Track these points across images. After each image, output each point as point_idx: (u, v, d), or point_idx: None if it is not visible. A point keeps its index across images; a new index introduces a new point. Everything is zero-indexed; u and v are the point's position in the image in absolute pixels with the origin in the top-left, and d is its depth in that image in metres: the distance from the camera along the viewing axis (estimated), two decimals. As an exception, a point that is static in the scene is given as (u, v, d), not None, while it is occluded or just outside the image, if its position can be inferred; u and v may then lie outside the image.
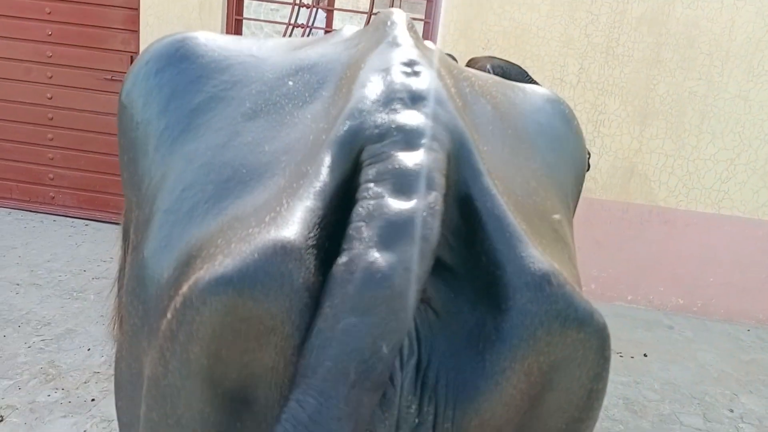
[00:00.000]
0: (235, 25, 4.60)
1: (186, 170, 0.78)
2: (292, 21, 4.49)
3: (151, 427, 0.63)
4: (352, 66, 0.80)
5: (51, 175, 5.07)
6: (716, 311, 4.48)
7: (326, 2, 4.60)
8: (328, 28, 4.61)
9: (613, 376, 3.46)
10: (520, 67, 1.98)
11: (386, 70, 0.72)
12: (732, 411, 3.34)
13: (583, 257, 4.45)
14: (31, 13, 4.76)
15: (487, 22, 4.26)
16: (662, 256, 4.45)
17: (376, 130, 0.65)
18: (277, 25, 4.80)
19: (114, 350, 0.92)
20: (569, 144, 1.00)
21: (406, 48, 0.77)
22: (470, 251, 0.65)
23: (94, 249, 4.51)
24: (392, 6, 4.31)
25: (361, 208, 0.60)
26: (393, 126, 0.65)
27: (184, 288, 0.59)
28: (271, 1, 4.72)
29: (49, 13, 4.75)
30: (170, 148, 0.82)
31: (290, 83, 0.83)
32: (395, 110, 0.66)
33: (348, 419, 0.55)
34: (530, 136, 0.94)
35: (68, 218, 5.07)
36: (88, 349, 3.18)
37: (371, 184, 0.61)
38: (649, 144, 4.33)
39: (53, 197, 5.11)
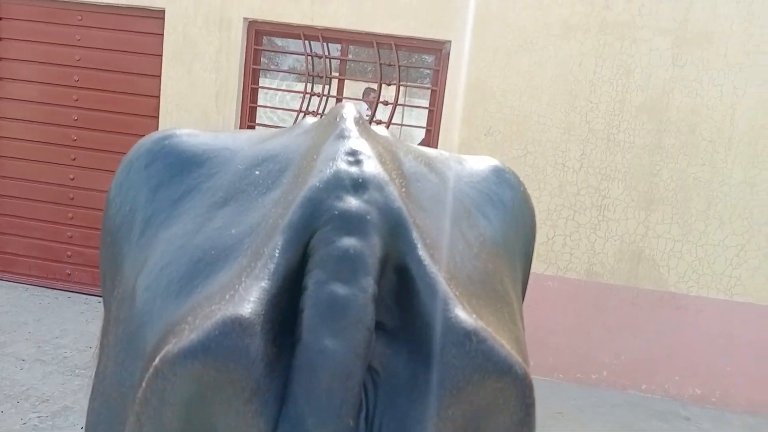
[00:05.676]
0: (249, 111, 4.81)
1: (165, 252, 0.90)
2: (303, 109, 4.69)
3: None
4: (306, 156, 0.91)
5: (69, 253, 5.22)
6: (736, 402, 4.27)
7: (336, 91, 4.80)
8: (338, 115, 4.79)
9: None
10: None
11: (333, 161, 0.82)
12: None
13: (595, 343, 4.35)
14: (60, 99, 5.06)
15: (489, 110, 4.38)
16: (676, 343, 4.32)
17: (322, 217, 0.75)
18: (289, 111, 5.00)
19: (87, 417, 0.99)
20: (515, 209, 1.11)
21: (352, 139, 0.87)
22: (407, 314, 0.75)
23: (102, 326, 4.57)
24: (397, 96, 4.49)
25: (308, 296, 0.70)
26: (336, 213, 0.75)
27: (156, 360, 0.68)
28: (283, 91, 4.95)
29: (76, 100, 5.05)
30: (155, 233, 0.96)
31: (256, 172, 0.96)
32: (339, 197, 0.76)
33: None
34: (474, 204, 1.05)
35: (82, 295, 5.17)
36: (82, 428, 3.17)
37: (316, 270, 0.71)
38: (656, 229, 4.30)
39: (69, 274, 5.24)
